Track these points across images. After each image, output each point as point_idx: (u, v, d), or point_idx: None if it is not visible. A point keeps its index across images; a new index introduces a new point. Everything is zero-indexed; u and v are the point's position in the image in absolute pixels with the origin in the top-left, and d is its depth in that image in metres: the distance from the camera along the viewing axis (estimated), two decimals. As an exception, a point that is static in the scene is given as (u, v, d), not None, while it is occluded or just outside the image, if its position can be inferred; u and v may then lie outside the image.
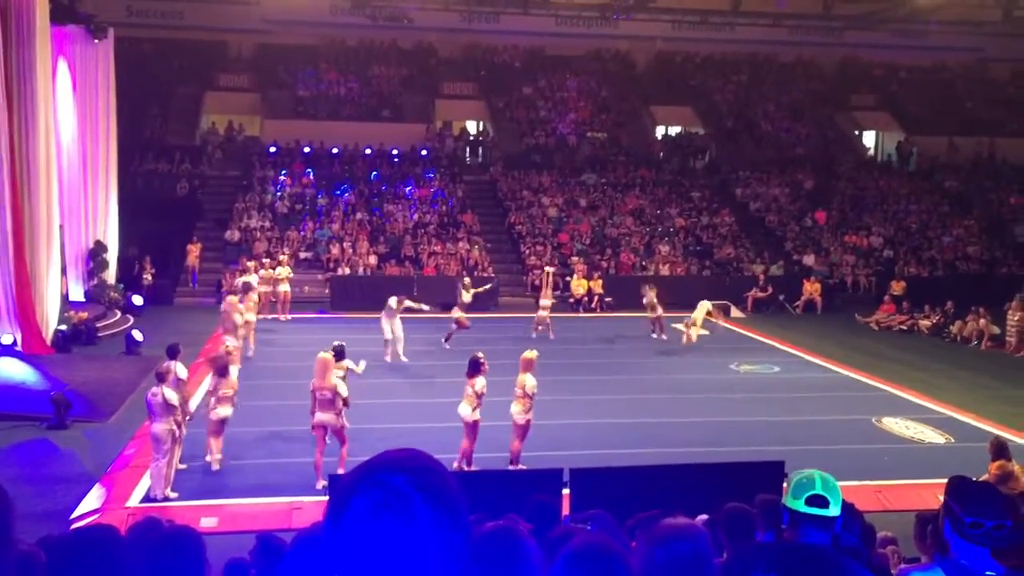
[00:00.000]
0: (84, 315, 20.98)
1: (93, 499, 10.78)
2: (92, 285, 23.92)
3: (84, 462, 12.22)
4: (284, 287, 23.67)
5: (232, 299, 18.07)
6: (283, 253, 25.68)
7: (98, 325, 21.04)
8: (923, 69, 40.94)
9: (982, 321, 22.98)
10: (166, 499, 10.72)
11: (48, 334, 19.12)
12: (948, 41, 37.01)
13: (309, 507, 10.09)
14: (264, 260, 24.90)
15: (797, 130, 38.19)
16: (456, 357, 17.73)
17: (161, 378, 10.97)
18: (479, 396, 11.60)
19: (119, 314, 22.87)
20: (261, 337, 20.77)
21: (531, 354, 12.06)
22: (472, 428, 11.68)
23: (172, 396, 10.90)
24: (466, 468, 11.44)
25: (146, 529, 3.50)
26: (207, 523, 9.94)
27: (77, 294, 23.36)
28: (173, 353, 12.04)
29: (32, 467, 11.97)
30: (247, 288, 20.06)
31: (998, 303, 23.46)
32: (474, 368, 11.72)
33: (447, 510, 1.46)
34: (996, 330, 22.72)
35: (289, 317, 23.44)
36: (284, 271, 23.91)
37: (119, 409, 14.72)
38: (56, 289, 20.03)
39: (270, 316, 23.13)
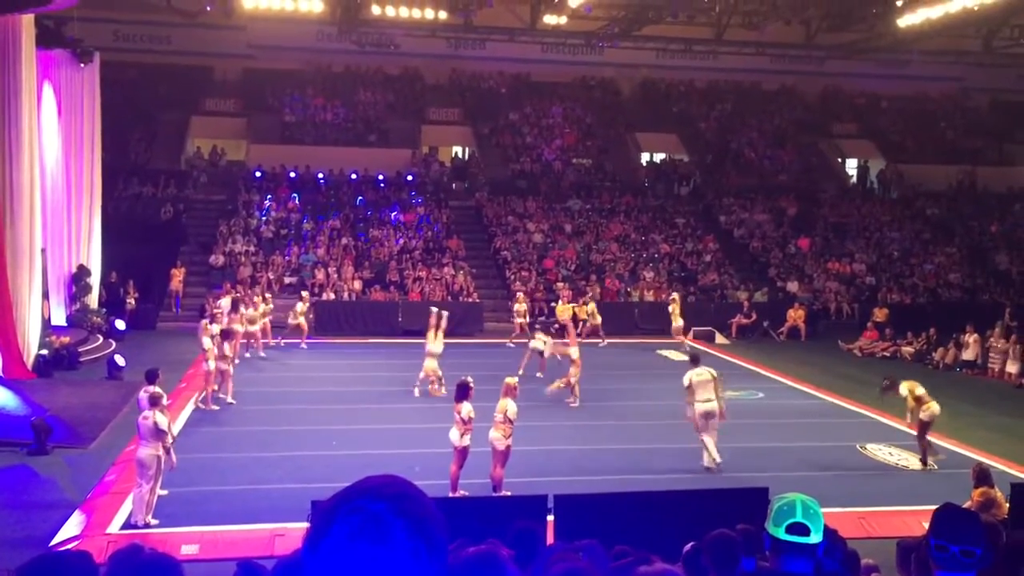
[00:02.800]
0: (66, 340, 20.83)
1: (73, 526, 10.66)
2: (74, 309, 23.77)
3: (64, 488, 12.09)
4: (261, 323, 22.42)
5: (204, 323, 18.04)
6: (258, 295, 23.77)
7: (80, 350, 20.89)
8: (905, 98, 41.41)
9: (973, 336, 23.22)
10: (147, 525, 10.62)
11: (29, 359, 18.97)
12: (929, 71, 37.44)
13: (292, 534, 10.01)
14: (255, 299, 23.40)
15: (780, 157, 38.51)
16: (445, 383, 17.71)
17: (154, 402, 10.98)
18: (466, 422, 11.56)
19: (101, 339, 22.71)
20: (245, 363, 20.68)
21: (512, 380, 12.06)
22: (461, 454, 11.64)
23: (163, 421, 10.89)
24: (451, 494, 11.39)
25: (126, 557, 3.46)
26: (188, 550, 9.85)
27: (59, 318, 23.19)
28: (152, 378, 11.97)
29: (12, 493, 11.84)
30: (236, 305, 21.34)
31: (979, 330, 23.63)
32: (463, 393, 11.69)
33: (426, 538, 1.46)
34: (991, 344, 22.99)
35: (277, 341, 23.17)
36: (264, 307, 22.88)
37: (100, 435, 14.59)
38: (38, 313, 19.90)
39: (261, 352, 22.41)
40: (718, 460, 13.25)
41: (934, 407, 13.96)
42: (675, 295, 26.36)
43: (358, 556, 1.43)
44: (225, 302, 22.24)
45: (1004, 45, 32.51)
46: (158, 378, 12.06)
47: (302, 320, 23.49)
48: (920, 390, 14.17)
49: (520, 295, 26.12)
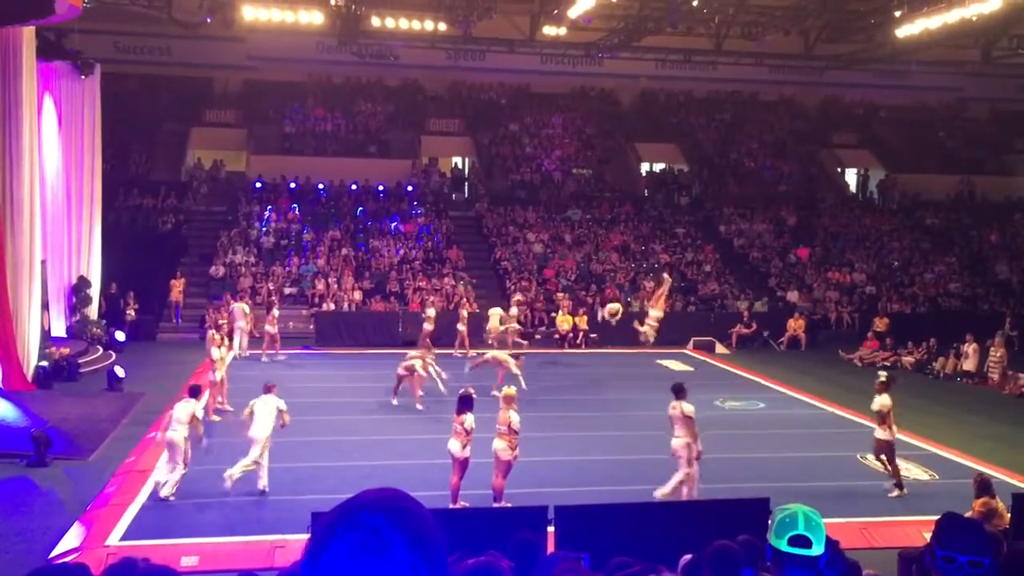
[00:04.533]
0: (66, 351, 20.82)
1: (73, 538, 10.63)
2: (74, 321, 23.76)
3: (64, 500, 12.07)
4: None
5: (211, 333, 18.05)
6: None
7: (80, 361, 20.87)
8: (904, 108, 41.49)
9: (973, 346, 23.17)
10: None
11: (29, 370, 18.95)
12: (928, 81, 37.52)
13: (292, 545, 9.99)
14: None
15: (780, 167, 38.55)
16: (444, 394, 17.69)
17: (196, 393, 12.86)
18: (468, 433, 11.55)
19: (101, 350, 22.69)
20: (243, 373, 20.64)
21: (511, 390, 12.04)
22: (462, 465, 11.62)
23: (200, 411, 12.58)
24: (452, 506, 11.36)
25: (122, 570, 3.45)
26: (188, 562, 9.82)
27: (59, 330, 23.18)
28: (195, 393, 12.81)
29: (11, 505, 11.82)
30: (270, 307, 23.29)
31: (979, 340, 23.62)
32: (465, 404, 11.66)
33: (426, 552, 1.46)
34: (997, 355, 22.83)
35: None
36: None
37: (100, 446, 14.56)
38: (37, 325, 19.88)
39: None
40: (659, 492, 11.94)
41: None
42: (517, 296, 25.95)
43: (358, 570, 1.42)
44: (240, 306, 22.59)
45: (1002, 55, 32.58)
46: (201, 393, 12.53)
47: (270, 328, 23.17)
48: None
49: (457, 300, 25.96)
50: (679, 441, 11.91)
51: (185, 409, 12.21)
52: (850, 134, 40.28)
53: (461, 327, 24.35)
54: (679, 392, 12.15)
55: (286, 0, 28.37)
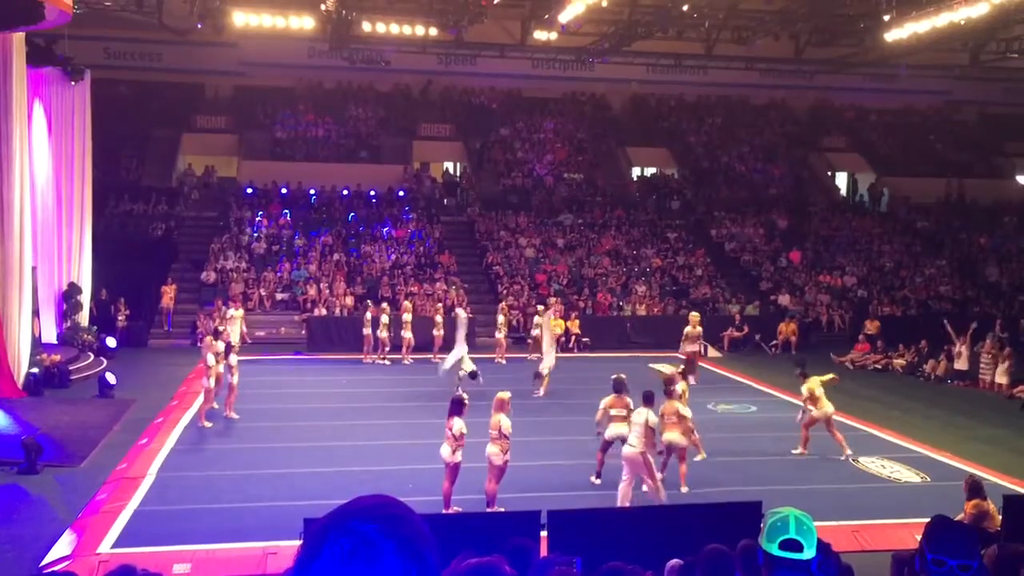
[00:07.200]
0: (56, 357, 20.74)
1: (64, 545, 10.59)
2: (65, 327, 23.68)
3: (55, 508, 12.02)
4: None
5: (208, 339, 17.95)
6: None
7: (71, 368, 20.80)
8: (893, 112, 41.66)
9: (965, 345, 23.25)
10: None
11: (20, 377, 18.86)
12: (917, 84, 37.72)
13: (284, 552, 9.96)
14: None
15: (770, 171, 38.68)
16: (437, 399, 17.70)
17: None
18: (457, 438, 11.52)
19: (92, 356, 22.62)
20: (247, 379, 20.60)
21: (505, 395, 12.01)
22: (452, 470, 11.61)
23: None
24: (444, 511, 11.34)
25: (117, 577, 3.45)
26: (180, 569, 9.80)
27: (50, 336, 23.10)
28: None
29: (2, 513, 11.76)
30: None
31: (971, 342, 23.70)
32: (456, 408, 11.64)
33: (417, 559, 1.46)
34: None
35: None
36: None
37: (91, 453, 14.50)
38: (28, 331, 19.79)
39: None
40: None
41: (826, 408, 15.10)
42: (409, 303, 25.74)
43: (349, 578, 1.43)
44: (237, 313, 22.53)
45: (991, 59, 32.76)
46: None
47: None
48: (820, 390, 15.16)
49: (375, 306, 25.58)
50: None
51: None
52: (840, 138, 40.45)
53: (436, 332, 24.50)
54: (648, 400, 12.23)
55: (277, 5, 28.36)
